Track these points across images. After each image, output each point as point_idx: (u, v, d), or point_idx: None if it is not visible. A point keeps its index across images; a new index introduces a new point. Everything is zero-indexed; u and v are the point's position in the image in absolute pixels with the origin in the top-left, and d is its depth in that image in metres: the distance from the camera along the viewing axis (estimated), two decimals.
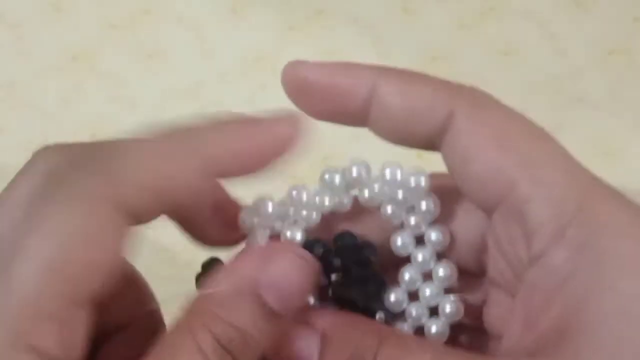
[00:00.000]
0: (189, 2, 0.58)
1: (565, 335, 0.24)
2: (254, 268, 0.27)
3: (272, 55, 0.55)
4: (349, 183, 0.31)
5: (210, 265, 0.32)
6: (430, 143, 0.28)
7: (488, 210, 0.28)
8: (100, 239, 0.26)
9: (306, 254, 0.29)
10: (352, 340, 0.27)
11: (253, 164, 0.28)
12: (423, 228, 0.30)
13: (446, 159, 0.28)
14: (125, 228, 0.27)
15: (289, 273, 0.28)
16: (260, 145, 0.28)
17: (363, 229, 0.31)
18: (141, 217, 0.27)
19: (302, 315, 0.28)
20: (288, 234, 0.31)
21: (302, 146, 0.29)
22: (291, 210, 0.31)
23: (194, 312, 0.28)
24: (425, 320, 0.31)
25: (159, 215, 0.28)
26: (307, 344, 0.28)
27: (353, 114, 0.28)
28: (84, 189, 0.26)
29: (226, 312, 0.27)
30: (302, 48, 0.56)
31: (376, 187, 0.30)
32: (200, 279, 0.32)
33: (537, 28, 0.57)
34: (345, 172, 0.31)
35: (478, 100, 0.28)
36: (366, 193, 0.30)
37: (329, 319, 0.28)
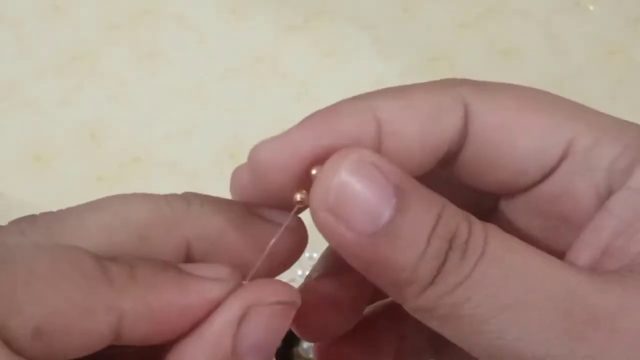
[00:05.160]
0: (189, 2, 0.58)
1: None
2: (229, 334, 0.23)
3: (272, 55, 0.55)
4: None
5: None
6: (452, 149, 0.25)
7: (537, 178, 0.25)
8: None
9: (285, 291, 0.24)
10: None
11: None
12: None
13: (477, 156, 0.25)
14: None
15: (269, 329, 0.23)
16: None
17: None
18: None
19: None
20: None
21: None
22: None
23: None
24: None
25: None
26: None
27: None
28: None
29: None
30: (302, 48, 0.56)
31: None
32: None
33: (537, 28, 0.57)
34: None
35: (480, 85, 0.26)
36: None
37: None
